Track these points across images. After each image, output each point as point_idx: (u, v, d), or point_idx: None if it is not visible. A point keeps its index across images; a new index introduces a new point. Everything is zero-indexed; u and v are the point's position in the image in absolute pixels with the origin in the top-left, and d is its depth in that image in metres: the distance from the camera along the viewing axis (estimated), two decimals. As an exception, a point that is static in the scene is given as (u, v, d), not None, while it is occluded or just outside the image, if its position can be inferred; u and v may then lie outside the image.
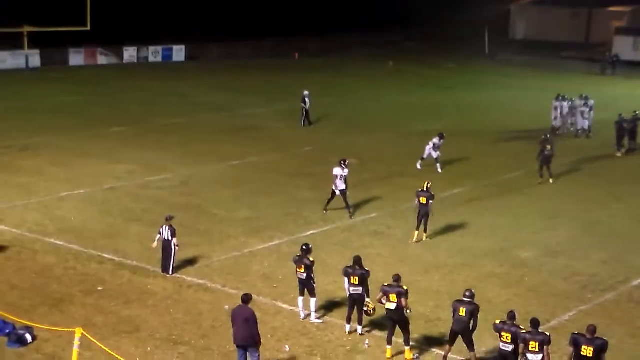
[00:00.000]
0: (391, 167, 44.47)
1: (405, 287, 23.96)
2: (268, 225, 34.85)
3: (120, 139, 49.53)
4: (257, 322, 22.02)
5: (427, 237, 34.45)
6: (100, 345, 22.58)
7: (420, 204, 34.15)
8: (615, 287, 30.58)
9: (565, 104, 55.62)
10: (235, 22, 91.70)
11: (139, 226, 33.98)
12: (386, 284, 24.23)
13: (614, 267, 32.36)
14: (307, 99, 53.99)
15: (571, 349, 22.42)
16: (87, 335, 22.10)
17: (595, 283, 30.71)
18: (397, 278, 24.32)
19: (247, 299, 22.24)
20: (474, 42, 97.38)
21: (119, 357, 22.52)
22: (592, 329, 22.55)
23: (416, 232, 34.24)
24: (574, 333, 22.70)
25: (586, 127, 54.51)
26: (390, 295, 23.96)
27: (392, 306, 23.95)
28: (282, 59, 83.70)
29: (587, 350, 22.23)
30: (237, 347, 22.15)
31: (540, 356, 22.18)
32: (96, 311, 26.36)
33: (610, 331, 24.04)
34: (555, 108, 56.22)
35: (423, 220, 34.27)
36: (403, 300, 23.81)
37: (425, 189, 34.35)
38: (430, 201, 34.10)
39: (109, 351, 22.65)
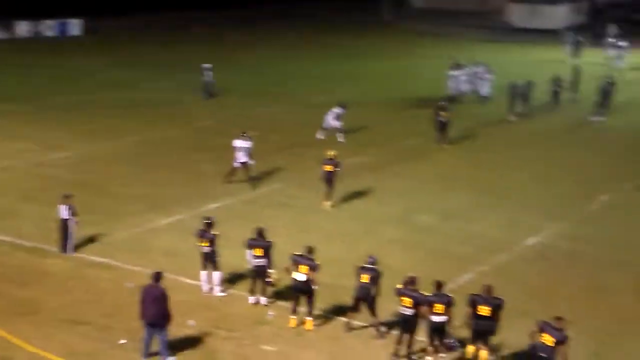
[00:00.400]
0: (294, 137, 44.62)
1: (317, 262, 24.37)
2: (169, 200, 34.74)
3: (15, 117, 48.29)
4: (167, 300, 22.12)
5: (331, 206, 34.89)
6: (-4, 329, 22.49)
7: (326, 172, 34.64)
8: (510, 247, 31.39)
9: (461, 71, 56.17)
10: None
11: (35, 205, 33.34)
12: (297, 254, 24.57)
13: (509, 228, 33.25)
14: (208, 72, 53.72)
15: (469, 309, 22.96)
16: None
17: (491, 244, 31.46)
18: (310, 250, 24.68)
19: (158, 277, 22.34)
20: (372, 9, 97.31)
21: (18, 341, 22.53)
22: (488, 289, 23.11)
23: (325, 199, 34.88)
24: (471, 294, 23.24)
25: (484, 93, 55.09)
26: (300, 266, 24.24)
27: (301, 277, 24.26)
28: (181, 31, 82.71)
29: (484, 310, 22.80)
30: (145, 325, 22.15)
31: (445, 317, 22.75)
32: (-9, 294, 26.04)
33: (506, 290, 24.52)
34: (452, 76, 56.77)
35: (328, 189, 34.73)
36: (313, 273, 24.23)
37: (330, 158, 34.82)
38: (337, 169, 34.60)
39: (7, 335, 22.68)
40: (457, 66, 57.16)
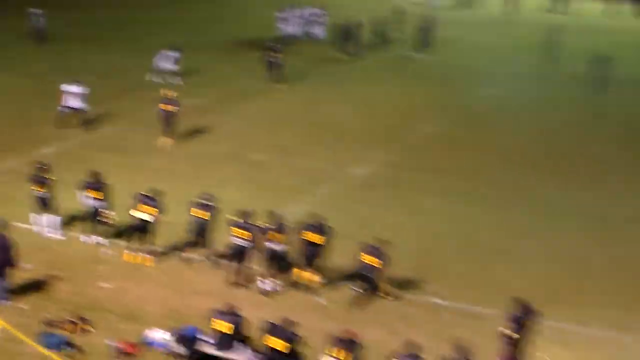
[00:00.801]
0: (128, 82, 43.82)
1: (158, 200, 24.45)
2: (2, 146, 33.59)
3: None
4: (12, 248, 21.65)
5: (170, 145, 34.79)
6: None
7: (165, 111, 34.54)
8: (337, 177, 31.86)
9: (291, 13, 55.86)
10: None
11: None
12: (143, 193, 24.56)
13: (336, 160, 33.77)
14: (38, 17, 51.85)
15: (300, 237, 23.28)
16: None
17: (320, 176, 31.86)
18: (157, 192, 24.68)
19: (2, 224, 21.89)
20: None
21: None
22: (318, 217, 23.51)
23: (163, 139, 34.67)
24: (303, 223, 23.59)
25: (319, 34, 54.86)
26: (144, 206, 24.19)
27: (145, 216, 24.30)
28: None
29: (314, 237, 23.18)
30: None
31: (283, 246, 23.01)
32: None
33: (334, 217, 24.82)
34: (283, 18, 56.47)
35: (167, 128, 34.57)
36: (158, 214, 24.40)
37: (169, 98, 34.78)
38: (176, 108, 34.56)
39: None
40: (290, 7, 56.72)
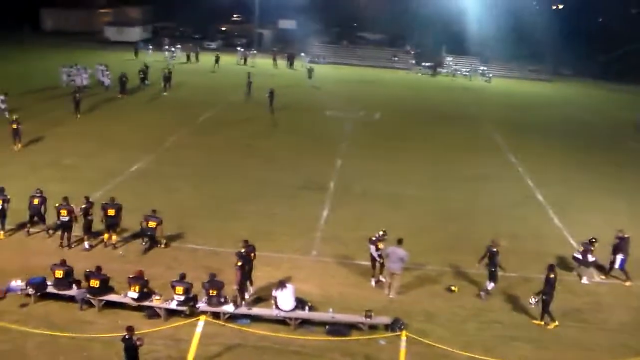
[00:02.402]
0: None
1: (7, 195, 23.36)
2: None
3: None
4: None
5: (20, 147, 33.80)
6: None
7: (13, 129, 33.65)
8: (123, 172, 30.99)
9: (73, 69, 52.64)
10: None
11: None
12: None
13: (121, 161, 32.60)
14: None
15: (102, 212, 22.60)
16: None
17: (112, 171, 30.80)
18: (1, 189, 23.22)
19: None
20: (17, 34, 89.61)
21: None
22: (112, 198, 23.08)
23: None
24: (102, 202, 22.79)
25: (107, 83, 52.24)
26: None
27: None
28: None
29: (111, 211, 22.51)
30: None
31: (91, 218, 22.29)
32: None
33: (121, 197, 24.21)
34: (64, 72, 52.80)
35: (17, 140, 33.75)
36: (6, 204, 22.75)
37: (15, 119, 34.04)
38: (20, 126, 34.00)
39: None
40: (71, 66, 53.63)
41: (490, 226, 26.34)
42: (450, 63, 79.33)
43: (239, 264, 19.40)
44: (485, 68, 76.22)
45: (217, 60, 67.77)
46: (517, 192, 31.93)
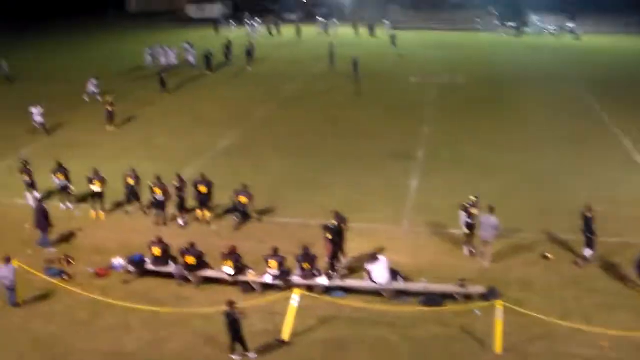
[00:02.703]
0: (70, 101, 41.45)
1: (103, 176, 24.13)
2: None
3: None
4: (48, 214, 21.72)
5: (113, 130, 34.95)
6: None
7: (107, 110, 35.09)
8: (212, 148, 31.64)
9: (159, 49, 53.76)
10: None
11: None
12: (90, 175, 24.10)
13: (209, 137, 33.39)
14: (4, 65, 48.74)
15: (193, 189, 23.18)
16: None
17: (200, 148, 31.53)
18: (96, 172, 24.28)
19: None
20: (100, 14, 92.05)
21: None
22: (203, 175, 23.69)
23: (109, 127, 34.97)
24: (194, 180, 23.42)
25: (192, 61, 53.29)
26: (95, 181, 24.02)
27: (96, 189, 24.05)
28: None
29: (203, 188, 23.10)
30: None
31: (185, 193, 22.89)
32: None
33: (213, 173, 24.64)
34: (148, 52, 54.20)
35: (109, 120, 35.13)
36: (103, 184, 24.07)
37: (111, 102, 35.54)
38: (114, 107, 35.33)
39: None
40: (153, 47, 54.79)
41: (586, 190, 25.39)
42: (536, 22, 76.70)
43: (328, 236, 19.55)
44: (573, 25, 73.35)
45: (298, 32, 67.81)
46: (614, 155, 30.56)
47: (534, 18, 77.40)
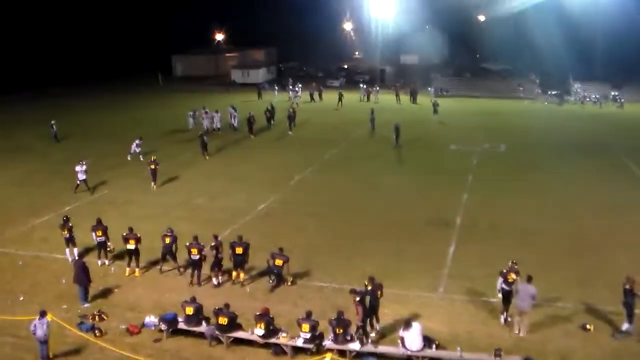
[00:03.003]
0: (113, 160, 42.72)
1: (139, 235, 24.29)
2: (40, 207, 32.73)
3: None
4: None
5: (157, 188, 35.87)
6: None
7: (151, 169, 35.78)
8: (249, 212, 31.72)
9: (205, 114, 54.76)
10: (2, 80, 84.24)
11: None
12: (125, 234, 24.38)
13: (248, 201, 33.48)
14: (54, 125, 50.30)
15: (230, 251, 23.21)
16: None
17: (239, 211, 31.70)
18: (131, 229, 24.58)
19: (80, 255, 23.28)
20: (151, 78, 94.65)
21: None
22: (240, 237, 23.51)
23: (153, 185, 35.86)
24: (231, 241, 23.49)
25: (235, 125, 54.23)
26: (130, 240, 23.99)
27: (131, 246, 24.25)
28: (33, 102, 77.00)
29: (239, 249, 23.12)
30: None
31: (222, 255, 22.98)
32: None
33: (250, 236, 24.91)
34: (190, 115, 55.17)
35: (154, 179, 35.99)
36: (137, 243, 24.18)
37: (154, 159, 36.35)
38: (157, 166, 35.98)
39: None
40: (195, 111, 55.86)
41: (630, 261, 24.81)
42: (578, 90, 76.41)
43: (357, 299, 19.44)
44: (616, 93, 72.95)
45: (340, 99, 68.64)
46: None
47: (576, 86, 77.15)
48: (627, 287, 19.61)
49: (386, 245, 27.24)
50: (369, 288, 19.84)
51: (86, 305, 21.73)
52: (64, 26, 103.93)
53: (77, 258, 22.99)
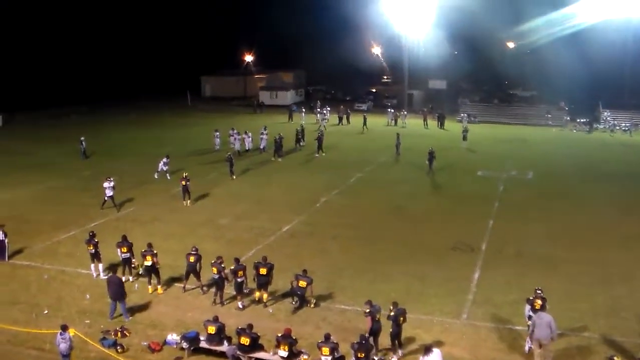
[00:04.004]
0: (140, 178, 43.14)
1: (155, 251, 24.24)
2: (66, 222, 33.12)
3: None
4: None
5: (189, 204, 36.39)
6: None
7: (183, 185, 36.22)
8: (274, 232, 31.68)
9: (245, 135, 54.92)
10: (32, 97, 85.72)
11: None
12: (144, 250, 24.40)
13: (273, 221, 33.50)
14: (83, 142, 51.37)
15: (254, 271, 23.18)
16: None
17: (264, 232, 31.73)
18: (150, 245, 24.58)
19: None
20: (181, 98, 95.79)
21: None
22: (264, 258, 23.44)
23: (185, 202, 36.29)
24: (255, 262, 23.50)
25: (262, 146, 54.28)
26: (147, 257, 23.96)
27: (149, 263, 24.09)
28: (65, 118, 78.08)
29: (263, 270, 23.08)
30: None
31: (243, 278, 23.01)
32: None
33: (274, 257, 24.84)
34: (216, 136, 55.19)
35: (186, 195, 36.30)
36: (156, 260, 24.02)
37: (186, 176, 36.72)
38: (189, 182, 36.34)
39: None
40: (217, 130, 56.12)
41: (657, 292, 24.48)
42: (608, 118, 75.73)
43: (367, 310, 19.72)
44: (645, 121, 72.27)
45: (364, 122, 68.80)
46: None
47: (606, 114, 76.49)
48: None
49: (410, 269, 27.05)
50: (392, 314, 19.76)
51: (129, 318, 22.05)
52: (99, 45, 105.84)
53: (111, 274, 23.17)
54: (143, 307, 23.15)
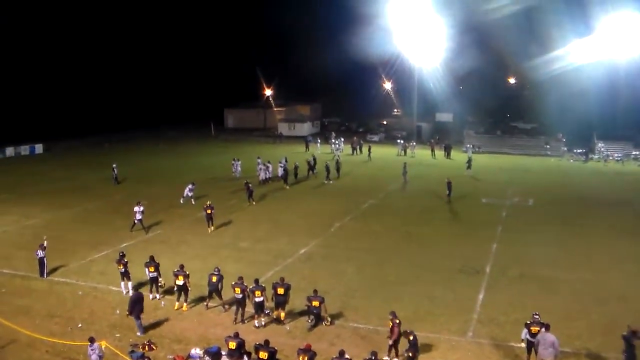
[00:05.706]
0: (167, 202, 43.30)
1: (187, 272, 24.38)
2: (99, 242, 33.34)
3: (4, 201, 44.51)
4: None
5: (213, 230, 35.94)
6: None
7: (207, 213, 35.74)
8: (292, 255, 31.61)
9: (260, 163, 54.93)
10: (70, 127, 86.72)
11: (24, 252, 31.33)
12: (176, 270, 24.57)
13: (290, 244, 33.45)
14: (115, 169, 51.77)
15: (272, 291, 23.07)
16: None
17: (282, 254, 31.65)
18: (182, 266, 24.77)
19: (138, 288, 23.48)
20: (205, 128, 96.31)
21: (18, 327, 21.43)
22: (282, 278, 23.35)
23: (209, 229, 35.89)
24: (273, 282, 23.38)
25: (280, 175, 53.98)
26: (179, 276, 24.11)
27: (180, 282, 24.26)
28: (98, 146, 78.74)
29: (281, 290, 22.99)
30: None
31: (262, 298, 22.87)
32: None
33: (291, 278, 24.81)
34: (234, 164, 55.23)
35: (209, 222, 35.93)
36: (187, 279, 24.16)
37: (210, 204, 36.23)
38: (213, 210, 36.04)
39: (11, 325, 21.48)
40: (234, 159, 56.00)
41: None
42: (602, 149, 75.34)
43: (398, 321, 20.07)
44: (638, 152, 71.73)
45: (369, 152, 69.07)
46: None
47: (600, 145, 76.13)
48: (625, 334, 19.10)
49: (419, 290, 26.84)
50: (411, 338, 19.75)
51: (139, 334, 21.85)
52: (132, 80, 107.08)
53: (137, 291, 23.19)
54: (169, 323, 23.09)
